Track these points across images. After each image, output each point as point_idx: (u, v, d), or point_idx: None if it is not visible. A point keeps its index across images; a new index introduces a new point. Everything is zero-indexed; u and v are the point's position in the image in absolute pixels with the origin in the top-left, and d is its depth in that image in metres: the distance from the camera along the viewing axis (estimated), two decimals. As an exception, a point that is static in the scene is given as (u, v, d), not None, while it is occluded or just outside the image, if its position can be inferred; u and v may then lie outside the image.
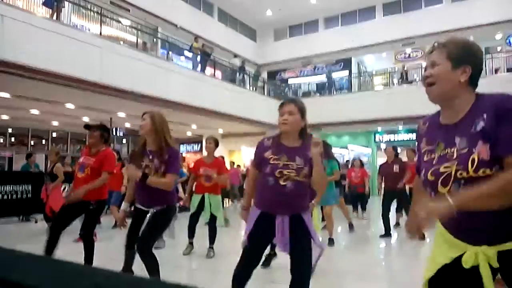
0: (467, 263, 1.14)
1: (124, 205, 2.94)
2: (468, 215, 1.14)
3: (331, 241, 5.00)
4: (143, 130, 2.78)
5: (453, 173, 1.15)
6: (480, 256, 1.12)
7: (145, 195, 2.77)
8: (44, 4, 8.49)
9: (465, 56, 1.22)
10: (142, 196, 2.80)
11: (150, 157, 2.74)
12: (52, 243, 3.26)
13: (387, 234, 5.73)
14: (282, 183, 2.03)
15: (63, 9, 8.70)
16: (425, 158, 1.27)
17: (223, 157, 6.40)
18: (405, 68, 15.61)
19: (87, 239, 3.38)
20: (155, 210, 2.74)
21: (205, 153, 4.68)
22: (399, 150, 6.28)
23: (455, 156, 1.16)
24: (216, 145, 4.54)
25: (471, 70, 1.20)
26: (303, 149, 2.07)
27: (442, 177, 1.18)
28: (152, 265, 2.70)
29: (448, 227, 1.23)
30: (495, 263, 1.11)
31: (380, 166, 6.37)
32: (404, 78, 15.29)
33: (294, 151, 2.06)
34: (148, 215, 2.79)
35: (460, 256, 1.17)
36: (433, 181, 1.21)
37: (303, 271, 2.06)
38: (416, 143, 1.42)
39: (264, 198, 2.13)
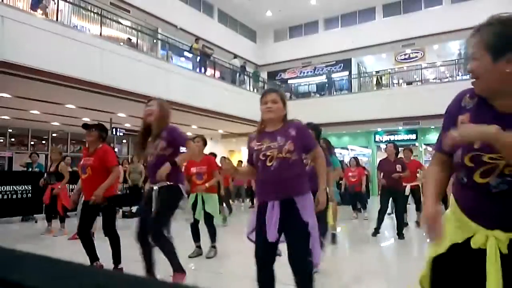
0: (476, 243, 1.11)
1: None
2: (486, 200, 1.11)
3: (333, 237, 4.96)
4: (152, 116, 2.90)
5: (501, 167, 1.05)
6: (490, 239, 1.09)
7: (151, 173, 2.92)
8: (31, 7, 8.30)
9: (506, 44, 1.03)
10: (150, 175, 2.96)
11: (154, 142, 2.91)
12: (88, 247, 3.40)
13: (376, 232, 5.73)
14: (268, 164, 2.10)
15: (62, 10, 8.69)
16: None
17: (215, 155, 6.38)
18: (379, 74, 16.31)
19: (111, 235, 3.42)
20: (158, 187, 2.84)
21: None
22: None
23: None
24: (204, 143, 4.53)
25: None
26: (284, 129, 2.16)
27: (484, 167, 1.08)
28: (167, 249, 2.78)
29: (464, 208, 1.19)
30: (504, 249, 1.08)
31: (380, 161, 6.19)
32: (378, 83, 15.85)
33: (275, 133, 2.16)
34: (153, 192, 2.86)
35: (470, 239, 1.15)
36: (470, 168, 1.10)
37: (298, 258, 2.04)
38: (447, 113, 1.23)
39: (258, 187, 2.20)
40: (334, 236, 4.99)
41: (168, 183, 2.83)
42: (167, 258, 2.81)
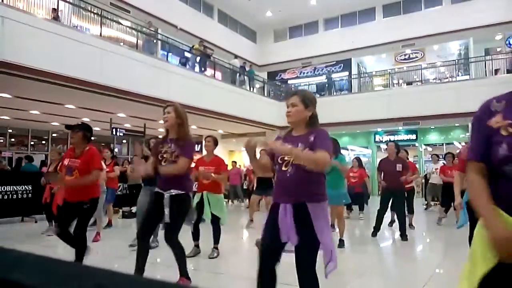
0: None
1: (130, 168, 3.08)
2: None
3: (341, 242, 4.97)
4: (169, 122, 2.98)
5: None
6: None
7: (165, 179, 2.95)
8: None
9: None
10: (163, 180, 2.98)
11: (170, 144, 2.98)
12: (70, 242, 3.40)
13: (375, 232, 5.72)
14: (284, 168, 2.11)
15: (62, 10, 8.69)
16: (504, 133, 1.19)
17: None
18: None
19: (81, 238, 3.39)
20: (170, 194, 2.90)
21: (205, 152, 4.66)
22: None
23: None
24: (215, 143, 4.53)
25: None
26: (306, 135, 2.14)
27: None
28: (179, 254, 2.94)
29: None
30: None
31: (380, 161, 6.12)
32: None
33: (298, 139, 2.15)
34: (164, 199, 2.90)
35: None
36: None
37: (305, 268, 2.03)
38: (475, 122, 1.31)
39: (275, 188, 2.23)
40: (342, 241, 5.00)
41: (180, 192, 2.93)
42: (177, 262, 2.95)
